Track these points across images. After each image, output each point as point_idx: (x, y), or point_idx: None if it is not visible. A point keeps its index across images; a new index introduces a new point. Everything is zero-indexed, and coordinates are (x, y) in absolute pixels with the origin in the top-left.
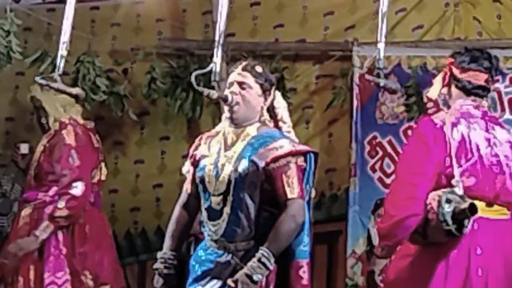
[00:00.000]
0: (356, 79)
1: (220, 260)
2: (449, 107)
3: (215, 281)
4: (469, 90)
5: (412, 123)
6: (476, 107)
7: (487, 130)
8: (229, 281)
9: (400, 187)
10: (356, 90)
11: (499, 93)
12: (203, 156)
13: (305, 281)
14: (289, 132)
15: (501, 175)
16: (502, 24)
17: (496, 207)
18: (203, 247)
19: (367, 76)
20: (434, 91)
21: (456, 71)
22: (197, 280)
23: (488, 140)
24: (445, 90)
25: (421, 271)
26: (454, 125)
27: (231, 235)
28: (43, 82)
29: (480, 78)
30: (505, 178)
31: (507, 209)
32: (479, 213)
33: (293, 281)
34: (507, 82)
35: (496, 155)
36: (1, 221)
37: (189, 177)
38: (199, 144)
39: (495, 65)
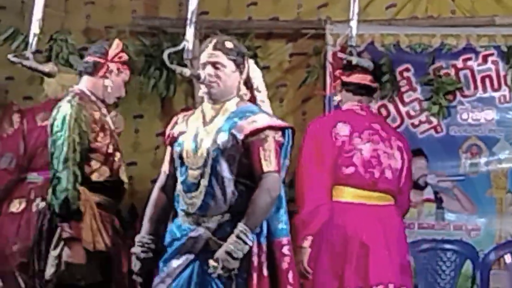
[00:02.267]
0: (329, 57)
1: (192, 234)
2: None
3: (187, 255)
4: (354, 91)
5: (385, 101)
6: (361, 108)
7: (369, 128)
8: (211, 262)
9: (307, 179)
10: (329, 68)
11: (472, 71)
12: (181, 133)
13: (288, 259)
14: (263, 101)
15: (379, 166)
16: (475, 3)
17: (379, 193)
18: (176, 223)
19: (340, 54)
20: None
21: (343, 77)
22: (173, 254)
23: (370, 136)
24: (339, 96)
25: (318, 258)
26: (342, 122)
27: (206, 208)
28: (16, 60)
29: (364, 79)
30: (383, 169)
31: (391, 196)
32: (360, 200)
33: (278, 259)
34: (479, 60)
35: (376, 150)
36: None
37: (167, 157)
38: (176, 123)
39: (378, 71)
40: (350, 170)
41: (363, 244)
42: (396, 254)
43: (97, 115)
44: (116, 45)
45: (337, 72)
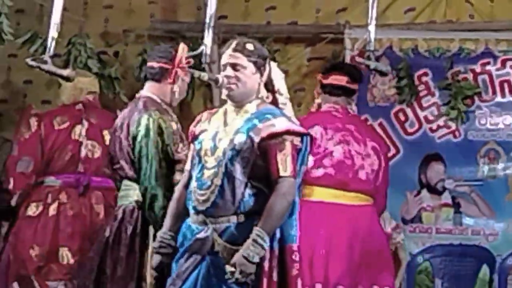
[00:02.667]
0: (347, 61)
1: (200, 236)
2: None
3: (195, 256)
4: (331, 92)
5: (403, 106)
6: (337, 110)
7: (343, 130)
8: (228, 267)
9: None
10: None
11: (490, 76)
12: (202, 131)
13: (297, 265)
14: (285, 104)
15: (352, 167)
16: (494, 7)
17: (352, 193)
18: (186, 224)
19: (358, 59)
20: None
21: (322, 80)
22: (181, 256)
23: (342, 138)
24: (319, 99)
25: None
26: (315, 125)
27: (214, 208)
28: (34, 63)
29: (340, 80)
30: (357, 169)
31: (367, 196)
32: (330, 199)
33: (288, 265)
34: (498, 64)
35: (349, 151)
36: None
37: (189, 155)
38: (200, 121)
39: (357, 74)
40: (320, 172)
41: (326, 243)
42: (358, 254)
43: (174, 126)
44: (182, 49)
45: (318, 76)
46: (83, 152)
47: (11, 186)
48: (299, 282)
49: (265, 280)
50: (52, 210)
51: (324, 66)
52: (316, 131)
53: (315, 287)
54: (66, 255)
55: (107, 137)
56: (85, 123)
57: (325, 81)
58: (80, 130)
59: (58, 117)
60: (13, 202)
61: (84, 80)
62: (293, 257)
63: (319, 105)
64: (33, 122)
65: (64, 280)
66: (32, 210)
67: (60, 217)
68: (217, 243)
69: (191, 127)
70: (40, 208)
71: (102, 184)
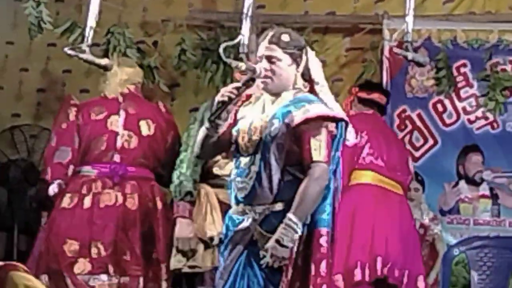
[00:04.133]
0: (386, 52)
1: (241, 226)
2: None
3: (238, 247)
4: (369, 105)
5: (441, 97)
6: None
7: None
8: (261, 252)
9: None
10: (386, 63)
11: None
12: (241, 118)
13: (324, 250)
14: (322, 91)
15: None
16: None
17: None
18: (229, 215)
19: (395, 50)
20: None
21: (364, 95)
22: (225, 247)
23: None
24: (352, 111)
25: None
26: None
27: (253, 196)
28: (72, 52)
29: (382, 99)
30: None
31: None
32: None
33: (314, 248)
34: None
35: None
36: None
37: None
38: (243, 103)
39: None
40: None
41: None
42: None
43: None
44: None
45: (354, 90)
46: (119, 142)
47: (48, 176)
48: (323, 265)
49: (290, 265)
50: (87, 202)
51: (366, 82)
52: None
53: (376, 260)
54: (98, 248)
55: (144, 128)
56: (122, 113)
57: (367, 96)
58: (116, 120)
59: (96, 107)
60: (50, 192)
61: (128, 70)
62: (320, 241)
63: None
64: (72, 112)
65: (96, 274)
66: (67, 201)
67: (94, 209)
68: (256, 232)
69: (235, 106)
70: (75, 200)
71: (138, 174)
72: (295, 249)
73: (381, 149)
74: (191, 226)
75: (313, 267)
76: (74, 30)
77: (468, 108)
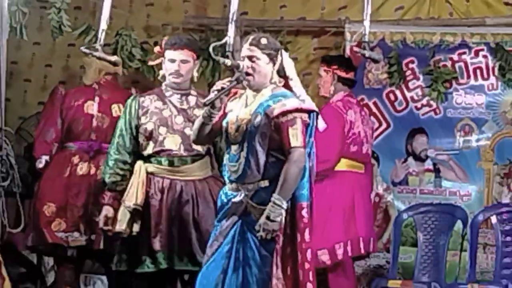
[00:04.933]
0: (347, 50)
1: (235, 200)
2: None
3: (232, 217)
4: (348, 84)
5: (393, 88)
6: (352, 97)
7: (360, 113)
8: (256, 227)
9: None
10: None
11: (465, 63)
12: (229, 111)
13: (306, 220)
14: (295, 86)
15: (364, 144)
16: (469, 6)
17: (361, 164)
18: (224, 191)
19: (355, 49)
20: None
21: (344, 74)
22: (221, 217)
23: (361, 120)
24: (333, 87)
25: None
26: (349, 109)
27: (244, 176)
28: (87, 51)
29: (353, 76)
30: (366, 146)
31: (365, 165)
32: (354, 169)
33: (297, 220)
34: (472, 54)
35: (364, 131)
36: None
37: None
38: (231, 97)
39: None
40: (354, 148)
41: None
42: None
43: None
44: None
45: (332, 68)
46: (94, 123)
47: (35, 152)
48: (307, 233)
49: (280, 233)
50: (66, 172)
51: (339, 60)
52: (351, 114)
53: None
54: (72, 210)
55: (115, 110)
56: (97, 99)
57: (346, 76)
58: (92, 105)
59: (76, 94)
60: (38, 165)
61: (102, 62)
62: (302, 213)
63: (333, 91)
64: (57, 100)
65: (70, 231)
66: (51, 172)
67: (71, 177)
68: (249, 205)
69: (226, 100)
70: (58, 169)
71: None
72: (283, 221)
73: (360, 136)
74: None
75: (298, 235)
76: (89, 32)
77: (415, 97)
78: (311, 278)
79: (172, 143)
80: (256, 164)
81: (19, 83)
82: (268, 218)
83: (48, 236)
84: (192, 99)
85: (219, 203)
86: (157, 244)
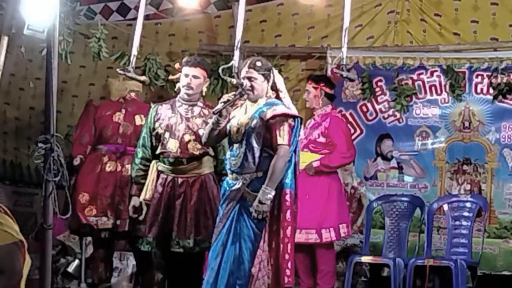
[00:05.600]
0: (329, 71)
1: (234, 188)
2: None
3: (232, 202)
4: (331, 99)
5: (365, 101)
6: (335, 109)
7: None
8: (251, 209)
9: None
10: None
11: (423, 82)
12: (232, 117)
13: (288, 203)
14: (284, 97)
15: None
16: (426, 36)
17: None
18: (226, 180)
19: (335, 70)
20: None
21: (329, 91)
22: (223, 202)
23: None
24: (320, 101)
25: None
26: None
27: (242, 168)
28: (121, 72)
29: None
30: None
31: None
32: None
33: (282, 203)
34: (428, 74)
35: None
36: None
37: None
38: (234, 107)
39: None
40: None
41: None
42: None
43: None
44: None
45: (320, 85)
46: (120, 130)
47: (73, 152)
48: (288, 214)
49: (268, 215)
50: (97, 169)
51: (325, 78)
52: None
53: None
54: (101, 199)
55: (138, 120)
56: (123, 111)
57: (330, 91)
58: (119, 115)
59: (106, 107)
60: (74, 163)
61: (129, 82)
62: (286, 197)
63: (321, 104)
64: (91, 111)
65: (99, 216)
66: (85, 168)
67: (101, 173)
68: (245, 192)
69: (231, 109)
70: (90, 167)
71: (133, 152)
72: (270, 204)
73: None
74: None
75: (282, 215)
76: (123, 57)
77: (383, 109)
78: (289, 251)
79: (172, 146)
80: (252, 158)
81: (68, 98)
82: (260, 202)
83: (82, 219)
84: (197, 109)
85: (222, 191)
86: (156, 229)
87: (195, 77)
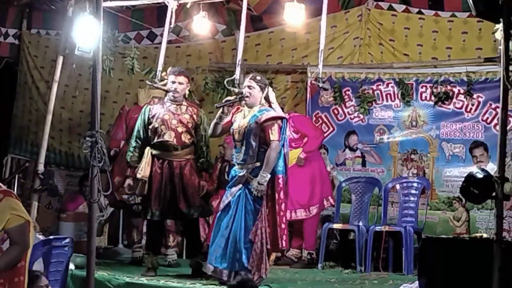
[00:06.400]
0: (309, 83)
1: (239, 174)
2: None
3: (238, 185)
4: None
5: (337, 106)
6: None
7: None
8: (252, 189)
9: None
10: (308, 89)
11: (381, 91)
12: (235, 120)
13: (280, 185)
14: (275, 107)
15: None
16: (383, 56)
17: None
18: (233, 167)
19: (313, 82)
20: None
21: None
22: (230, 185)
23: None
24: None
25: None
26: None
27: (245, 160)
28: (150, 83)
29: None
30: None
31: None
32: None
33: (275, 185)
34: (385, 86)
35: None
36: None
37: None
38: (237, 111)
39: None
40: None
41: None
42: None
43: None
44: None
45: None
46: None
47: (110, 146)
48: (282, 194)
49: (264, 197)
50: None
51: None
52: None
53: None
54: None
55: None
56: None
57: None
58: None
59: (136, 110)
60: (111, 154)
61: (154, 91)
62: (278, 181)
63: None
64: (123, 114)
65: (129, 195)
66: (120, 159)
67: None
68: (249, 177)
69: (233, 112)
70: (123, 157)
71: None
72: (267, 186)
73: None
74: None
75: (276, 195)
76: (151, 72)
77: (350, 112)
78: (283, 222)
79: (169, 136)
80: (252, 153)
81: (109, 104)
82: (258, 183)
83: (117, 196)
84: (183, 108)
85: (230, 176)
86: (156, 204)
87: (180, 83)
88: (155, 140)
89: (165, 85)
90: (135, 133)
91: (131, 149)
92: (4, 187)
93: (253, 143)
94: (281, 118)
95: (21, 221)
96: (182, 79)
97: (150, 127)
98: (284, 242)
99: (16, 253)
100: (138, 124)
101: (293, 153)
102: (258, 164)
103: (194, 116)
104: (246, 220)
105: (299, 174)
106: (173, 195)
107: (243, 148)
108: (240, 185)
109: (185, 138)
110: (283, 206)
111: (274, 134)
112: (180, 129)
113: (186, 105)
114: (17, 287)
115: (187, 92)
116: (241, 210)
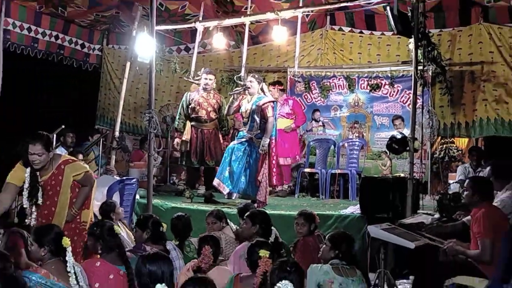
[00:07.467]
0: (288, 79)
1: (247, 136)
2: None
3: (247, 143)
4: (283, 91)
5: (307, 93)
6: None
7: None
8: (259, 150)
9: None
10: (288, 82)
11: (335, 84)
12: (242, 104)
13: (273, 145)
14: (267, 94)
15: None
16: (336, 60)
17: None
18: (240, 133)
19: (292, 77)
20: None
21: (280, 88)
22: (240, 143)
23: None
24: (277, 94)
25: None
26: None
27: (250, 129)
28: (187, 79)
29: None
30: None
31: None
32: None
33: (271, 143)
34: (337, 80)
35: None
36: None
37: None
38: (243, 98)
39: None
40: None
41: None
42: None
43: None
44: None
45: (277, 86)
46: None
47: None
48: (274, 149)
49: (262, 154)
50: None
51: (278, 82)
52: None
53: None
54: (177, 140)
55: None
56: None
57: (281, 88)
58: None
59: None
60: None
61: (193, 85)
62: (272, 141)
63: (278, 95)
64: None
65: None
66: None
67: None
68: (254, 138)
69: (240, 96)
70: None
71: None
72: (267, 145)
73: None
74: (178, 140)
75: (270, 150)
76: (187, 72)
77: (315, 97)
78: (275, 168)
79: (202, 113)
80: (256, 125)
81: (160, 93)
82: (262, 145)
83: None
84: (211, 95)
85: (239, 136)
86: (194, 156)
87: (210, 79)
88: (192, 115)
89: (197, 80)
90: (179, 109)
91: (178, 119)
92: (66, 157)
93: (256, 119)
94: (273, 101)
95: (82, 173)
96: (211, 76)
97: (190, 106)
98: (275, 181)
99: (87, 190)
100: (182, 104)
101: (286, 122)
102: (259, 131)
103: (218, 101)
104: (253, 165)
105: (284, 138)
106: (203, 151)
107: (249, 122)
108: (247, 143)
109: (212, 115)
110: (275, 158)
111: (269, 112)
112: (209, 109)
113: (213, 93)
114: (87, 213)
115: (214, 85)
116: (250, 158)
